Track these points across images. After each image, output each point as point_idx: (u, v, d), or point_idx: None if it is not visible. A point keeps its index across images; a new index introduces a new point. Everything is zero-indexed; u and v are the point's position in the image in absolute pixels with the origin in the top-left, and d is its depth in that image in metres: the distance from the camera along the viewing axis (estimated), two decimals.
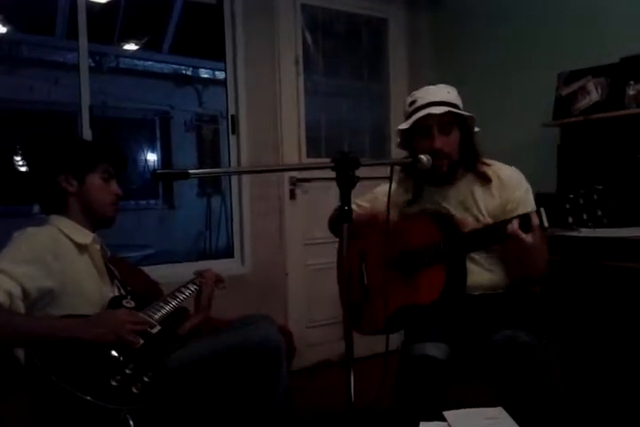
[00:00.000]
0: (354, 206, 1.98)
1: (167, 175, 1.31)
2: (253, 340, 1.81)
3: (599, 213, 1.57)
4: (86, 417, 1.48)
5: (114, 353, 1.64)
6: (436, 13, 4.02)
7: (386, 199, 1.74)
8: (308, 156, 3.67)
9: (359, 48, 4.02)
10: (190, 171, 1.27)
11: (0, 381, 1.66)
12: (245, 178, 3.46)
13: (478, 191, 1.98)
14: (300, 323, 3.57)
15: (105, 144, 2.01)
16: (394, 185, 2.10)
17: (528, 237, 1.70)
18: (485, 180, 1.97)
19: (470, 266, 1.93)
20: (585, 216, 1.60)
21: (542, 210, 1.70)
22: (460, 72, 3.64)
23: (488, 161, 2.01)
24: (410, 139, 1.99)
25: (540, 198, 1.97)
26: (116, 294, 1.94)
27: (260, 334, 1.83)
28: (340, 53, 3.92)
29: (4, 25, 4.79)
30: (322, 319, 3.63)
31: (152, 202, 7.43)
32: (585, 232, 2.43)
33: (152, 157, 7.36)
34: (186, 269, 2.37)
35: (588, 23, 3.05)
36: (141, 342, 1.71)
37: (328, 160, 1.39)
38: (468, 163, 1.98)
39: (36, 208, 2.14)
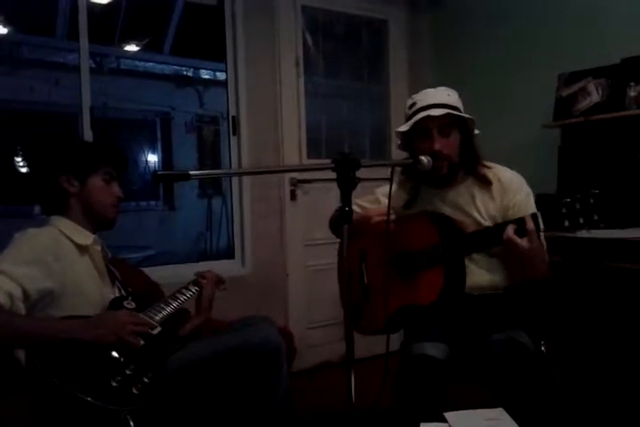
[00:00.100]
0: (355, 207, 1.98)
1: (168, 176, 1.31)
2: (253, 341, 1.82)
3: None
4: (87, 418, 1.48)
5: (114, 354, 1.64)
6: (436, 15, 4.02)
7: (387, 200, 1.74)
8: (309, 157, 3.67)
9: (359, 49, 4.03)
10: (191, 172, 1.27)
11: (0, 381, 1.66)
12: (246, 179, 3.46)
13: (478, 194, 1.98)
14: (301, 324, 3.57)
15: (107, 146, 2.01)
16: (394, 187, 2.10)
17: (523, 242, 1.70)
18: (485, 183, 1.97)
19: (471, 267, 1.93)
20: (581, 220, 1.60)
21: (538, 213, 1.70)
22: (461, 73, 3.64)
23: (489, 164, 2.01)
24: (410, 141, 2.00)
25: (540, 199, 1.97)
26: (117, 295, 1.94)
27: (260, 335, 1.84)
28: (340, 55, 3.92)
29: (4, 26, 4.79)
30: (322, 320, 3.64)
31: (152, 203, 7.43)
32: (586, 233, 2.44)
33: (153, 158, 7.36)
34: (186, 271, 2.37)
35: (589, 24, 3.05)
36: (142, 343, 1.71)
37: (328, 161, 1.38)
38: (469, 165, 1.98)
39: (37, 209, 2.14)
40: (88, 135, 3.02)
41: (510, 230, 1.73)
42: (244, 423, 1.86)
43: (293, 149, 3.60)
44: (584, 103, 2.91)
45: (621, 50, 2.79)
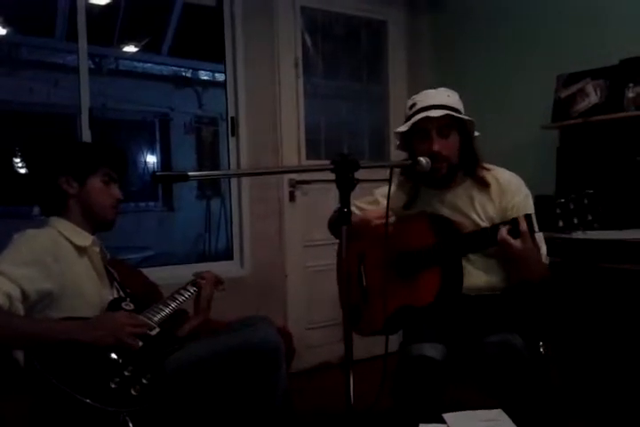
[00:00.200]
0: (353, 209, 1.98)
1: (166, 177, 1.31)
2: (252, 341, 1.81)
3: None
4: (85, 419, 1.48)
5: (113, 355, 1.64)
6: (435, 15, 4.03)
7: (385, 201, 1.74)
8: (308, 158, 3.67)
9: (358, 50, 4.03)
10: (189, 173, 1.27)
11: (0, 382, 1.66)
12: (245, 180, 3.46)
13: (477, 196, 1.97)
14: (300, 325, 3.56)
15: (108, 147, 2.01)
16: (394, 187, 2.11)
17: (517, 243, 1.70)
18: (484, 185, 1.97)
19: (468, 267, 1.93)
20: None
21: (532, 214, 1.70)
22: (460, 74, 3.65)
23: (488, 166, 2.01)
24: (409, 141, 2.00)
25: (538, 201, 1.98)
26: (116, 296, 1.94)
27: (258, 335, 1.83)
28: (339, 55, 3.92)
29: (3, 27, 4.79)
30: (321, 321, 3.63)
31: (151, 204, 7.43)
32: (582, 235, 2.44)
33: (151, 159, 7.37)
34: (185, 271, 2.37)
35: (588, 25, 3.05)
36: (140, 344, 1.71)
37: (327, 162, 1.38)
38: (468, 167, 1.99)
39: (36, 210, 2.14)
40: (87, 136, 3.02)
41: (504, 231, 1.73)
42: (242, 424, 1.86)
43: (292, 149, 3.60)
44: (583, 104, 2.91)
45: (620, 51, 2.80)
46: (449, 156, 1.92)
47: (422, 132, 1.92)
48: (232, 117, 3.48)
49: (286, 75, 3.57)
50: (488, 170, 1.99)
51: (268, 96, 3.53)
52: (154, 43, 6.45)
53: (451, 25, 3.92)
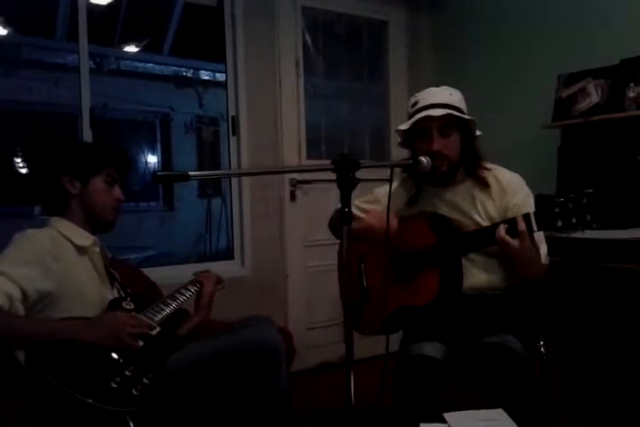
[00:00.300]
0: (353, 208, 1.98)
1: (167, 177, 1.31)
2: (252, 341, 1.82)
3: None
4: (87, 419, 1.48)
5: (114, 355, 1.64)
6: (436, 15, 4.03)
7: (386, 200, 1.74)
8: (308, 157, 3.67)
9: (359, 50, 4.03)
10: (190, 173, 1.27)
11: (0, 382, 1.66)
12: (245, 180, 3.46)
13: (478, 195, 1.97)
14: (300, 325, 3.56)
15: (111, 148, 2.01)
16: (395, 185, 2.11)
17: (515, 242, 1.70)
18: (484, 185, 1.97)
19: (468, 267, 1.93)
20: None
21: (531, 214, 1.70)
22: (461, 74, 3.65)
23: (489, 165, 2.01)
24: (410, 139, 2.00)
25: (539, 200, 1.97)
26: (116, 296, 1.94)
27: (259, 335, 1.84)
28: (340, 55, 3.92)
29: (4, 27, 4.80)
30: (322, 321, 3.63)
31: (152, 204, 7.44)
32: (582, 234, 2.44)
33: (152, 159, 7.37)
34: (186, 271, 2.37)
35: (588, 25, 3.05)
36: (141, 344, 1.71)
37: (328, 162, 1.38)
38: (469, 166, 1.98)
39: (37, 209, 2.15)
40: (87, 136, 3.02)
41: (502, 230, 1.72)
42: (243, 424, 1.86)
43: (293, 149, 3.60)
44: (584, 104, 2.91)
45: (621, 51, 2.79)
46: (449, 155, 1.91)
47: (423, 131, 1.92)
48: (233, 117, 3.48)
49: (287, 74, 3.57)
50: (489, 169, 1.99)
51: (268, 96, 3.53)
52: (154, 42, 6.46)
53: (451, 25, 3.92)
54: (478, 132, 1.97)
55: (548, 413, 1.90)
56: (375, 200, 2.20)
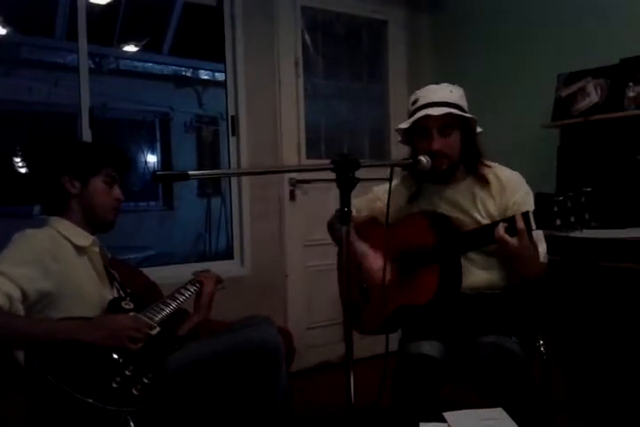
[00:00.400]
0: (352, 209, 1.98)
1: (167, 177, 1.31)
2: (252, 341, 1.82)
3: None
4: (87, 419, 1.48)
5: (114, 355, 1.64)
6: (435, 15, 4.03)
7: (387, 197, 1.74)
8: (308, 157, 3.67)
9: (359, 50, 4.03)
10: (190, 172, 1.27)
11: (0, 382, 1.66)
12: (245, 179, 3.46)
13: (479, 193, 1.97)
14: (300, 324, 3.56)
15: (111, 148, 2.01)
16: (396, 182, 2.11)
17: (513, 241, 1.70)
18: (484, 182, 1.97)
19: (468, 266, 1.93)
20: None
21: (530, 212, 1.70)
22: (460, 73, 3.64)
23: (489, 163, 2.01)
24: (411, 137, 2.00)
25: (539, 199, 1.97)
26: (116, 295, 1.94)
27: (259, 335, 1.84)
28: (339, 55, 3.92)
29: (4, 26, 4.79)
30: (322, 321, 3.63)
31: (152, 204, 7.44)
32: (581, 233, 2.44)
33: (152, 159, 7.37)
34: (186, 271, 2.37)
35: (588, 24, 3.05)
36: (139, 346, 1.70)
37: (328, 162, 1.38)
38: (470, 164, 1.98)
39: (37, 209, 2.15)
40: (87, 136, 3.01)
41: (501, 229, 1.72)
42: (243, 423, 1.86)
43: (292, 149, 3.60)
44: (583, 103, 2.91)
45: (621, 50, 2.80)
46: (449, 154, 1.91)
47: (423, 131, 1.91)
48: (232, 117, 3.48)
49: (286, 74, 3.57)
50: (489, 167, 1.99)
51: (268, 95, 3.53)
52: (154, 42, 6.45)
53: (451, 24, 3.92)
54: (479, 129, 1.97)
55: (548, 412, 1.90)
56: (375, 198, 2.20)
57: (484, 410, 1.46)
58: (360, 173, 1.38)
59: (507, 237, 1.71)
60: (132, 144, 6.95)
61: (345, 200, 1.37)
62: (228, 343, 1.83)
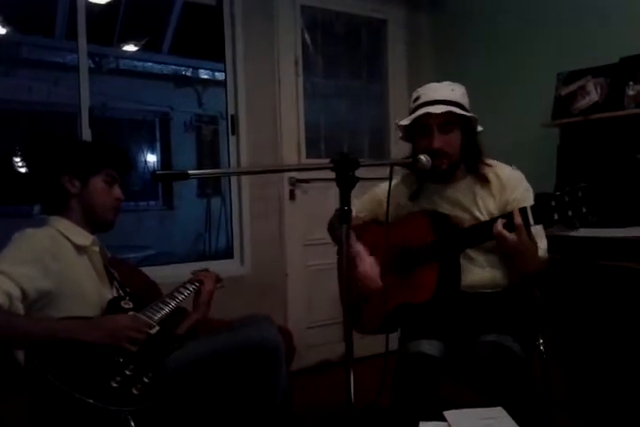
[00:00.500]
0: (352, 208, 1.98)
1: (167, 176, 1.31)
2: (252, 340, 1.82)
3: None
4: (87, 419, 1.48)
5: (114, 355, 1.64)
6: (435, 14, 4.03)
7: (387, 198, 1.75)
8: (308, 156, 3.67)
9: (358, 49, 4.03)
10: (189, 171, 1.26)
11: (0, 381, 1.66)
12: (245, 179, 3.46)
13: (479, 191, 1.97)
14: (300, 324, 3.57)
15: (112, 148, 2.01)
16: (397, 181, 2.11)
17: (512, 237, 1.70)
18: (485, 181, 1.97)
19: (467, 265, 1.94)
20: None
21: (528, 208, 1.70)
22: (460, 72, 3.64)
23: (490, 162, 2.00)
24: (411, 134, 2.00)
25: (539, 198, 1.97)
26: (115, 295, 1.94)
27: (258, 334, 1.84)
28: (339, 54, 3.92)
29: (3, 26, 4.79)
30: (321, 320, 3.63)
31: (152, 203, 7.43)
32: (581, 232, 2.44)
33: (152, 158, 7.37)
34: (185, 270, 2.37)
35: (588, 23, 3.05)
36: (137, 346, 1.70)
37: (327, 161, 1.38)
38: (470, 163, 1.98)
39: (37, 209, 2.15)
40: (87, 135, 3.01)
41: (499, 225, 1.72)
42: (243, 422, 1.86)
43: (292, 148, 3.60)
44: (583, 102, 2.91)
45: (620, 49, 2.79)
46: (450, 152, 1.91)
47: (424, 128, 1.92)
48: (232, 116, 3.48)
49: (286, 73, 3.57)
50: (490, 166, 1.99)
51: (267, 95, 3.53)
52: (154, 42, 6.45)
53: (451, 23, 3.92)
54: (480, 128, 1.97)
55: (548, 411, 1.90)
56: (376, 199, 2.20)
57: (484, 409, 1.46)
58: (360, 173, 1.38)
59: (505, 232, 1.71)
60: (131, 144, 6.94)
61: (345, 199, 1.37)
62: (228, 342, 1.83)
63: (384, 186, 2.10)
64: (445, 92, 1.93)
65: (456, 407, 1.45)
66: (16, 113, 5.47)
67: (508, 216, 1.73)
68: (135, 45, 6.24)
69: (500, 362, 1.72)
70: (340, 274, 2.32)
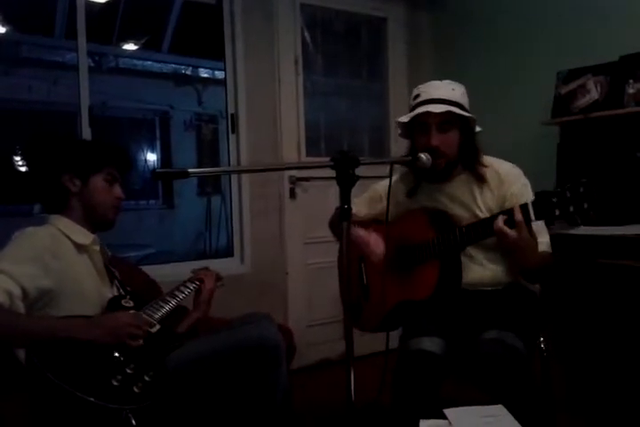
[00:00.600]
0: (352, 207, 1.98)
1: (167, 174, 1.31)
2: (252, 338, 1.82)
3: (585, 205, 1.57)
4: (89, 417, 1.49)
5: (115, 353, 1.65)
6: (435, 13, 4.02)
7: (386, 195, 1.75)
8: (308, 155, 3.67)
9: (358, 47, 4.02)
10: (190, 170, 1.27)
11: (0, 380, 1.66)
12: (245, 177, 3.46)
13: (478, 188, 1.98)
14: (300, 322, 3.57)
15: (112, 147, 2.01)
16: (395, 178, 2.11)
17: (513, 233, 1.70)
18: (482, 181, 1.97)
19: (468, 263, 1.94)
20: (571, 209, 1.60)
21: (529, 204, 1.70)
22: (460, 71, 3.64)
23: (487, 161, 2.01)
24: (411, 131, 2.01)
25: (539, 197, 1.97)
26: (115, 294, 1.94)
27: (259, 332, 1.84)
28: (339, 53, 3.92)
29: (3, 25, 4.79)
30: (322, 318, 3.64)
31: (152, 202, 7.44)
32: (580, 230, 2.44)
33: (152, 157, 7.37)
34: (186, 269, 2.37)
35: (588, 22, 3.05)
36: (140, 342, 1.71)
37: (327, 159, 1.38)
38: (467, 163, 1.99)
39: (37, 208, 2.15)
40: (87, 134, 3.01)
41: (500, 221, 1.72)
42: (243, 421, 1.87)
43: (292, 147, 3.60)
44: (583, 100, 2.91)
45: (620, 47, 2.79)
46: (447, 151, 1.92)
47: (422, 126, 1.92)
48: (232, 115, 3.47)
49: (286, 72, 3.57)
50: (487, 167, 1.99)
51: (267, 93, 3.52)
52: (153, 40, 6.45)
53: (451, 22, 3.91)
54: (478, 129, 1.97)
55: (549, 409, 1.90)
56: (375, 196, 2.20)
57: (485, 407, 1.46)
58: (360, 171, 1.38)
59: (506, 228, 1.71)
60: (131, 143, 6.94)
61: (345, 197, 1.37)
62: (228, 341, 1.83)
63: (384, 183, 2.11)
64: (446, 92, 1.93)
65: (458, 405, 1.45)
66: (16, 112, 5.48)
67: (508, 212, 1.73)
68: (135, 44, 6.24)
69: (502, 359, 1.72)
70: (341, 272, 2.33)
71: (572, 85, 2.97)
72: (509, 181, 1.95)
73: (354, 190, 1.40)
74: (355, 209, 2.07)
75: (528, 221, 1.69)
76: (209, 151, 7.19)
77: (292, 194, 3.58)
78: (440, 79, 2.01)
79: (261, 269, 3.49)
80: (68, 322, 1.66)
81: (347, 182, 1.37)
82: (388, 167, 1.75)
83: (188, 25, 5.98)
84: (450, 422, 1.39)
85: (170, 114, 7.36)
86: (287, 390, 1.88)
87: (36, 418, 1.56)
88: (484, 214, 1.93)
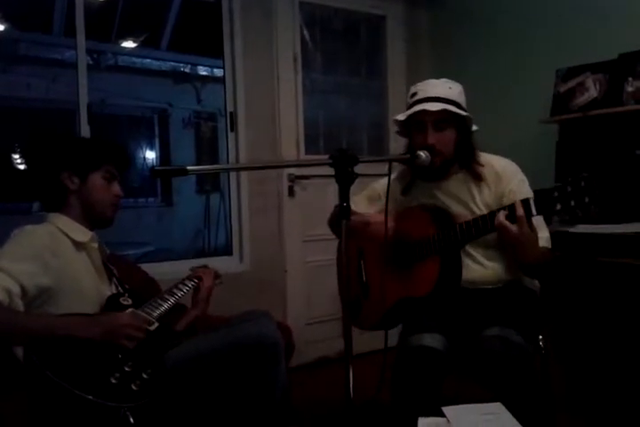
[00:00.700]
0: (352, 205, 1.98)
1: (165, 172, 1.31)
2: (251, 336, 1.82)
3: (586, 199, 1.57)
4: (87, 415, 1.49)
5: (113, 351, 1.64)
6: (434, 11, 4.02)
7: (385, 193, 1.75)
8: (307, 153, 3.67)
9: (357, 45, 4.02)
10: (188, 167, 1.27)
11: (0, 379, 1.66)
12: (244, 175, 3.46)
13: (475, 185, 1.98)
14: (299, 320, 3.57)
15: (111, 145, 2.00)
16: (393, 177, 2.11)
17: (514, 228, 1.70)
18: (479, 179, 1.97)
19: (467, 262, 1.94)
20: (573, 203, 1.60)
21: (530, 199, 1.70)
22: (459, 69, 3.64)
23: (484, 158, 2.01)
24: (408, 129, 2.01)
25: (538, 195, 1.97)
26: (114, 291, 1.94)
27: (257, 330, 1.84)
28: (338, 51, 3.91)
29: (1, 23, 4.79)
30: (321, 316, 3.64)
31: (151, 200, 7.43)
32: (580, 228, 2.44)
33: (150, 155, 7.36)
34: (184, 267, 2.37)
35: (587, 19, 3.05)
36: (135, 343, 1.70)
37: (326, 157, 1.39)
38: (463, 161, 1.99)
39: (36, 206, 2.15)
40: (85, 132, 3.01)
41: (501, 216, 1.72)
42: (242, 418, 1.87)
43: (291, 144, 3.60)
44: (582, 98, 2.91)
45: (619, 45, 2.79)
46: (443, 150, 1.92)
47: (419, 124, 1.93)
48: (231, 112, 3.47)
49: (285, 70, 3.57)
50: (483, 166, 1.99)
51: (266, 91, 3.52)
52: (152, 38, 6.44)
53: (450, 20, 3.91)
54: (475, 127, 1.97)
55: (549, 406, 1.90)
56: (375, 196, 2.20)
57: (483, 405, 1.46)
58: (359, 169, 1.38)
59: (507, 223, 1.70)
60: (130, 140, 6.93)
61: (344, 195, 1.37)
62: (227, 338, 1.83)
63: (382, 182, 2.11)
64: (442, 90, 1.93)
65: (460, 403, 1.45)
66: (14, 110, 5.47)
67: (510, 208, 1.73)
68: (134, 42, 6.23)
69: (506, 356, 1.72)
70: (340, 270, 2.33)
71: (571, 83, 2.97)
72: (507, 177, 1.95)
73: (353, 188, 1.40)
74: (353, 207, 2.08)
75: (529, 216, 1.69)
76: (208, 149, 7.18)
77: (291, 192, 3.58)
78: (439, 77, 2.01)
79: (260, 267, 3.49)
80: (67, 320, 1.66)
81: (345, 180, 1.37)
82: (386, 165, 1.75)
83: (186, 23, 5.98)
84: (448, 420, 1.39)
85: (169, 112, 7.35)
86: (286, 387, 1.88)
87: (35, 416, 1.57)
88: (482, 212, 1.93)
